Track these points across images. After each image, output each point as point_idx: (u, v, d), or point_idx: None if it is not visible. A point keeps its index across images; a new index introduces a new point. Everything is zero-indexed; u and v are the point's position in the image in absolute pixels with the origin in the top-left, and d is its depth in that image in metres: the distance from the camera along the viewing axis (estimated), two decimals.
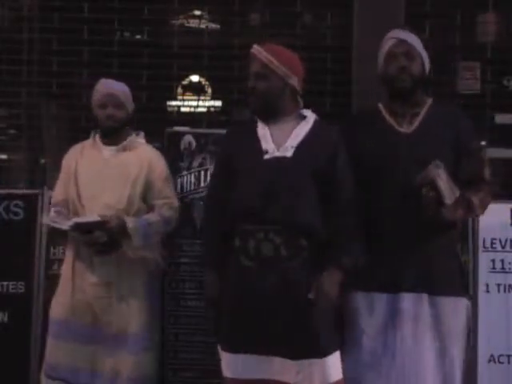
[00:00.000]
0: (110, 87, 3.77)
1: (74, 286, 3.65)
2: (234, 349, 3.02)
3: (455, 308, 3.16)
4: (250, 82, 3.11)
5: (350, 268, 3.03)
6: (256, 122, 3.15)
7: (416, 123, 3.25)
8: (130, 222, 3.57)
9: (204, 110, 6.14)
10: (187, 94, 6.03)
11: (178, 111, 6.01)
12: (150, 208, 3.72)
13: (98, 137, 3.80)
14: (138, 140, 3.87)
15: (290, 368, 2.96)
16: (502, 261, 4.14)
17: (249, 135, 3.12)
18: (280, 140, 3.07)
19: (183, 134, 4.22)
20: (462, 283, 3.27)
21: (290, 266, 2.96)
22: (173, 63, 5.44)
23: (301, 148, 3.04)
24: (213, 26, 5.79)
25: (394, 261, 3.15)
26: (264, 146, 3.06)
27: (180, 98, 5.97)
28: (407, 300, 3.13)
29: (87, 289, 3.63)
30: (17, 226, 4.23)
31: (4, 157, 5.91)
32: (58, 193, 3.81)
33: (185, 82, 6.04)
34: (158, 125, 5.12)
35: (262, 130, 3.10)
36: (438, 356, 3.13)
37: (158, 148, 3.98)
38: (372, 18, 4.97)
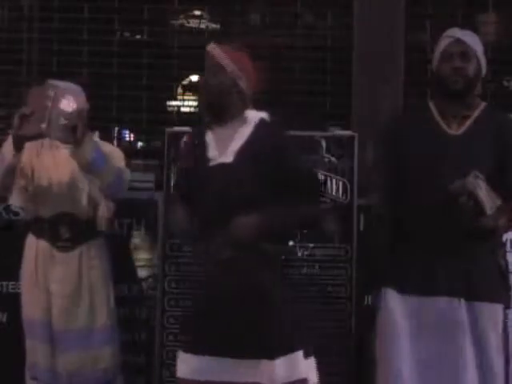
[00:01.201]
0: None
1: (37, 284, 3.71)
2: (192, 350, 3.02)
3: (493, 315, 3.10)
4: (202, 78, 3.11)
5: (274, 223, 2.99)
6: (206, 127, 3.15)
7: (466, 126, 3.17)
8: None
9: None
10: (187, 93, 6.03)
11: (178, 111, 6.01)
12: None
13: None
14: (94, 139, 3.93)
15: (245, 368, 2.97)
16: None
17: (199, 142, 3.12)
18: (223, 145, 3.06)
19: (183, 133, 4.21)
20: (502, 289, 3.18)
21: (245, 268, 2.97)
22: (173, 63, 5.44)
23: (242, 152, 3.02)
24: (213, 25, 5.79)
25: (430, 263, 3.11)
26: (209, 153, 3.06)
27: (180, 97, 5.97)
28: (443, 303, 3.09)
29: (50, 287, 3.68)
30: (17, 226, 4.23)
31: None
32: None
33: (185, 82, 6.04)
34: (158, 125, 5.14)
35: (209, 136, 3.09)
36: (476, 362, 3.09)
37: (158, 147, 3.99)
38: (372, 18, 4.97)
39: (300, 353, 2.99)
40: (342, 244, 4.11)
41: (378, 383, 3.22)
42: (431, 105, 3.27)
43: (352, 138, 4.18)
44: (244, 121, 3.08)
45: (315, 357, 3.05)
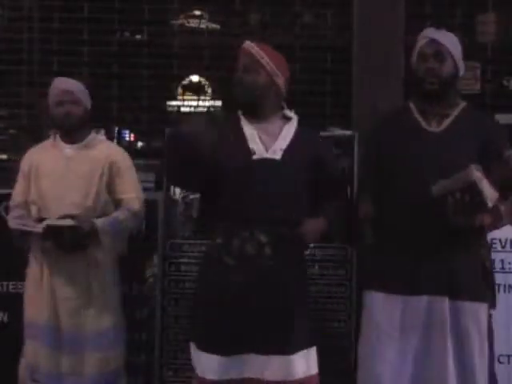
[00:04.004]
0: (65, 84, 3.77)
1: (43, 287, 3.68)
2: (212, 349, 3.01)
3: (475, 314, 3.11)
4: (238, 73, 3.10)
5: (330, 225, 3.10)
6: (239, 119, 3.14)
7: (445, 124, 3.18)
8: (99, 223, 3.60)
9: (204, 110, 6.15)
10: (187, 93, 6.04)
11: (178, 111, 6.02)
12: (117, 202, 3.74)
13: (57, 136, 3.81)
14: (99, 137, 3.94)
15: (264, 364, 2.98)
16: (502, 261, 4.13)
17: (234, 132, 3.10)
18: (268, 141, 3.06)
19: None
20: (485, 289, 3.19)
21: (274, 265, 2.97)
22: (173, 63, 5.44)
23: (289, 151, 3.05)
24: (213, 25, 5.79)
25: (414, 262, 3.11)
26: (251, 145, 3.05)
27: (180, 98, 5.98)
28: (427, 302, 3.10)
29: (56, 289, 3.66)
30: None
31: (4, 157, 5.91)
32: (17, 194, 3.82)
33: (185, 82, 6.05)
34: (157, 125, 5.14)
35: (249, 129, 3.09)
36: (457, 361, 3.10)
37: (158, 148, 3.99)
38: (372, 18, 4.97)
39: (314, 349, 3.05)
40: (342, 244, 4.11)
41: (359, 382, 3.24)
42: (411, 104, 3.28)
43: (352, 137, 4.18)
44: (286, 119, 3.12)
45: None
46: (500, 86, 5.60)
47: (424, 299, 3.10)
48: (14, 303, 4.15)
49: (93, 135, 3.83)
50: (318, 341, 3.10)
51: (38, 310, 3.70)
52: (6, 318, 4.23)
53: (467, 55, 5.34)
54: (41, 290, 3.69)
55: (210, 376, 3.01)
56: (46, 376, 3.69)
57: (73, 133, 3.76)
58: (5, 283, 4.25)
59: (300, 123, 3.16)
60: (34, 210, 3.72)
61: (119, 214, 3.69)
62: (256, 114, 3.10)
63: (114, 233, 3.64)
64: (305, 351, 3.02)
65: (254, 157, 3.03)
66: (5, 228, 4.11)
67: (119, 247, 3.77)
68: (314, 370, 3.06)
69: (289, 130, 3.09)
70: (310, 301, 3.17)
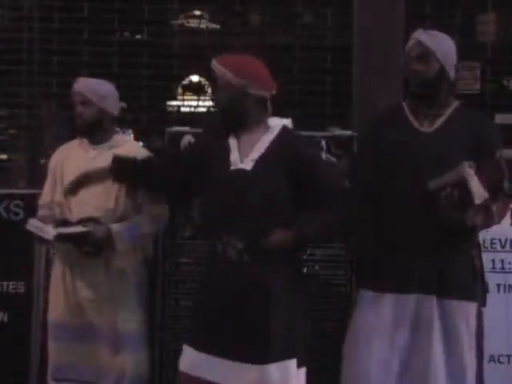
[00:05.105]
0: (76, 85, 3.73)
1: (65, 288, 3.65)
2: (195, 346, 3.05)
3: (464, 312, 3.13)
4: (215, 94, 3.15)
5: (307, 239, 3.04)
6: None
7: (437, 124, 3.19)
8: (116, 229, 3.55)
9: (204, 110, 6.16)
10: (187, 93, 6.05)
11: (178, 111, 6.02)
12: (139, 206, 3.70)
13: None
14: (124, 137, 3.89)
15: (240, 372, 2.97)
16: (502, 261, 4.13)
17: (220, 143, 3.14)
18: (245, 151, 3.08)
19: (183, 133, 4.21)
20: (474, 288, 3.19)
21: (252, 272, 2.98)
22: (173, 63, 5.45)
23: (261, 161, 3.04)
24: (213, 25, 5.80)
25: (412, 262, 3.13)
26: (231, 157, 3.08)
27: (180, 98, 5.99)
28: (416, 301, 3.12)
29: (78, 291, 3.62)
30: (17, 226, 4.22)
31: (4, 157, 5.92)
32: (45, 193, 3.79)
33: (185, 82, 6.06)
34: (157, 125, 5.15)
35: (233, 142, 3.12)
36: (447, 359, 3.11)
37: (158, 147, 3.98)
38: (372, 18, 4.98)
39: (293, 361, 2.99)
40: (342, 244, 4.11)
41: (343, 380, 3.25)
42: (404, 104, 3.29)
43: (352, 137, 4.18)
44: (266, 128, 3.11)
45: (315, 359, 3.06)
46: (500, 86, 5.62)
47: (413, 298, 3.13)
48: (14, 303, 4.16)
49: (117, 136, 3.80)
50: (305, 356, 3.05)
51: (60, 310, 3.66)
52: (6, 318, 4.23)
53: (467, 55, 5.40)
54: (63, 291, 3.65)
55: (184, 369, 3.06)
56: (85, 372, 3.64)
57: (90, 133, 3.71)
58: (5, 283, 4.25)
59: (285, 131, 3.12)
60: (57, 210, 3.69)
61: (139, 219, 3.64)
62: (239, 127, 3.11)
63: (130, 238, 3.58)
64: (281, 363, 2.96)
65: (231, 168, 3.06)
66: (5, 228, 4.13)
67: (147, 250, 3.74)
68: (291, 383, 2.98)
69: (265, 140, 3.08)
70: (300, 310, 3.08)
